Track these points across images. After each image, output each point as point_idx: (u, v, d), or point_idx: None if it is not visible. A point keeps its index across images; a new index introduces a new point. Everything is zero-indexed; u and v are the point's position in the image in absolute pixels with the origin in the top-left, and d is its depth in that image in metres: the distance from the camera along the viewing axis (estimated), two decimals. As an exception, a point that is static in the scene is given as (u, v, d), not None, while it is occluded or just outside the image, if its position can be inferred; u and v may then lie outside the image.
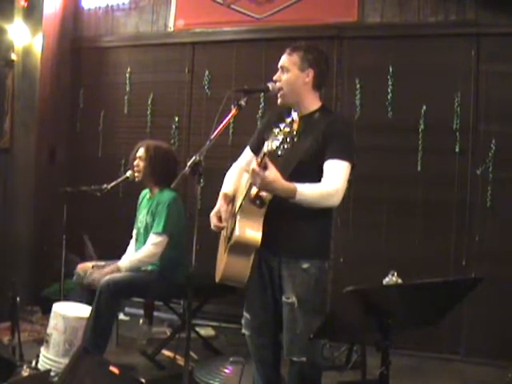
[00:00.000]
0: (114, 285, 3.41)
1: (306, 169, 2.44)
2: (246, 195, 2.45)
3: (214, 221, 2.61)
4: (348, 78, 4.49)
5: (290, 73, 2.55)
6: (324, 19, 4.60)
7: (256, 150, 2.72)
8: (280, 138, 2.14)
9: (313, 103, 2.60)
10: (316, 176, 2.46)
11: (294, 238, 2.51)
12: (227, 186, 2.74)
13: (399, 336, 2.08)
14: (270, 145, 2.19)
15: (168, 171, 3.75)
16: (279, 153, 2.17)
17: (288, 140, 2.14)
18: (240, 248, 2.47)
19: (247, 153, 2.79)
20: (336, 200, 2.46)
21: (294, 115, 2.20)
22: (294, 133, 2.15)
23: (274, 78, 2.58)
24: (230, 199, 2.69)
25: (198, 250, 2.39)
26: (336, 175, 2.45)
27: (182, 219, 3.74)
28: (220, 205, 2.65)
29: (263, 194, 2.43)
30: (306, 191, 2.38)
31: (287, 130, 2.14)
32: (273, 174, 2.29)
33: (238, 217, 2.48)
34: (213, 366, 3.55)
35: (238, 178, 2.75)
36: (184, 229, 3.74)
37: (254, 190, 2.43)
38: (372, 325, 1.97)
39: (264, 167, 2.28)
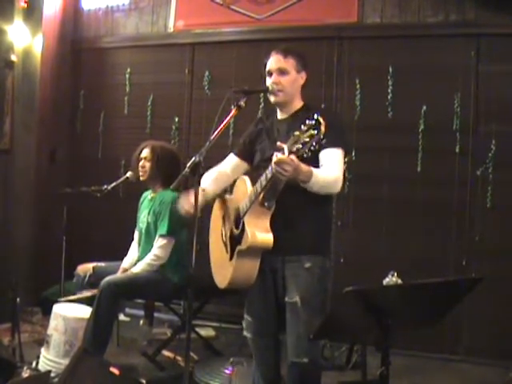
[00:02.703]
0: (115, 286, 3.41)
1: (306, 162, 2.43)
2: (254, 199, 2.46)
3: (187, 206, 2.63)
4: (348, 79, 4.50)
5: (289, 75, 2.61)
6: (324, 20, 4.60)
7: (245, 157, 2.78)
8: (304, 140, 2.16)
9: (299, 103, 2.68)
10: (315, 167, 2.49)
11: (295, 235, 2.54)
12: (205, 183, 2.73)
13: (399, 336, 2.08)
14: (290, 147, 2.20)
15: (173, 171, 3.74)
16: (305, 155, 2.19)
17: (316, 142, 2.16)
18: (252, 251, 2.50)
19: (232, 158, 2.82)
20: (338, 187, 2.50)
21: (319, 117, 2.18)
22: (322, 136, 2.16)
23: (273, 81, 2.60)
24: (206, 194, 2.69)
25: (198, 251, 2.40)
26: (334, 163, 2.50)
27: (183, 220, 3.73)
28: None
29: (273, 192, 2.44)
30: (320, 175, 2.41)
31: (313, 132, 2.15)
32: (296, 159, 2.28)
33: (246, 221, 2.50)
34: (213, 366, 3.55)
35: (216, 178, 2.77)
36: (185, 230, 3.74)
37: (264, 193, 2.44)
38: (372, 325, 1.97)
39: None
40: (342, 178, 2.51)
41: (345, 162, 2.60)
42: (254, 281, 2.55)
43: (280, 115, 2.69)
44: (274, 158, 2.26)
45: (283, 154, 2.23)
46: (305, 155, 2.19)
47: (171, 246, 3.64)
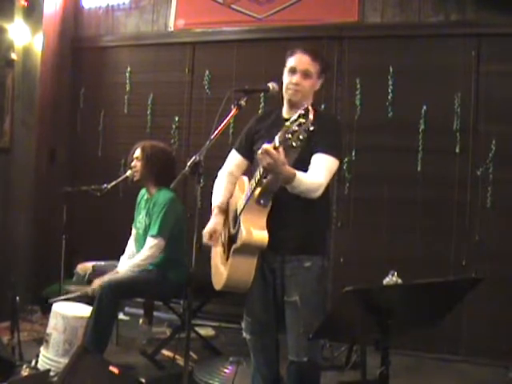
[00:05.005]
0: (115, 285, 3.41)
1: (302, 165, 2.42)
2: (249, 195, 2.45)
3: (206, 237, 2.61)
4: (348, 78, 4.50)
5: (312, 79, 2.57)
6: (324, 19, 4.60)
7: (245, 154, 2.76)
8: (293, 129, 2.13)
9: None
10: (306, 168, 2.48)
11: (294, 235, 2.54)
12: (218, 198, 2.74)
13: (399, 336, 2.08)
14: (281, 136, 2.17)
15: (165, 170, 3.75)
16: (294, 144, 2.14)
17: (305, 130, 2.12)
18: (247, 249, 2.48)
19: (235, 156, 2.81)
20: (318, 194, 2.46)
21: (308, 107, 2.16)
22: (310, 124, 2.13)
23: (296, 81, 2.55)
24: (224, 211, 2.70)
25: (198, 250, 2.39)
26: (322, 169, 2.47)
27: (179, 220, 3.73)
28: (216, 222, 2.65)
29: (267, 190, 2.42)
30: (303, 179, 2.37)
31: (302, 121, 2.12)
32: (282, 156, 2.24)
33: (242, 218, 2.49)
34: (213, 366, 3.55)
35: (228, 186, 2.76)
36: (183, 229, 3.74)
37: (258, 190, 2.42)
38: (372, 325, 1.97)
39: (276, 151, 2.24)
40: (325, 185, 2.47)
41: (340, 166, 2.58)
42: (251, 283, 2.52)
43: (287, 114, 2.62)
44: (260, 149, 2.24)
45: (274, 144, 2.21)
46: (294, 144, 2.14)
47: (161, 246, 3.61)
